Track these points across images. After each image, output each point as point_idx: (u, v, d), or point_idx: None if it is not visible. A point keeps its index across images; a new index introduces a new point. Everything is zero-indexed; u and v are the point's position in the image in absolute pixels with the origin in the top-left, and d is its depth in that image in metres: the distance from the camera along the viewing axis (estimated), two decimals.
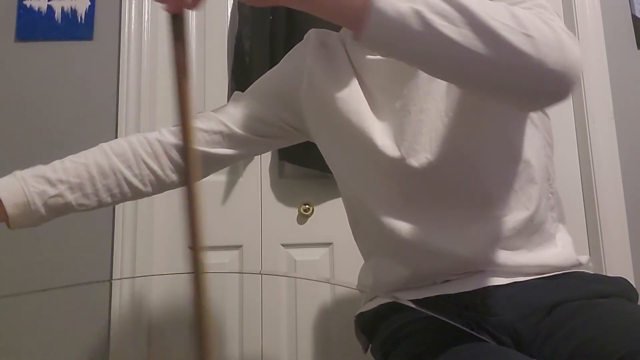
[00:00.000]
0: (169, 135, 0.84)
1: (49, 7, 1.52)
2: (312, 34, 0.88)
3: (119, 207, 1.45)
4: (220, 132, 0.85)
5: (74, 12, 1.52)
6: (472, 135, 0.73)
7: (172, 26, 0.50)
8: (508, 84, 0.55)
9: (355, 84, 0.80)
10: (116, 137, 1.45)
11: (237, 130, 0.86)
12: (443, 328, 0.67)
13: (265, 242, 1.52)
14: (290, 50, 0.92)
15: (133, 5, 1.53)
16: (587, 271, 0.79)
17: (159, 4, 0.53)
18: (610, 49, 1.61)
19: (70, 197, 0.77)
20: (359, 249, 0.90)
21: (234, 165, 1.55)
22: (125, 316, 1.41)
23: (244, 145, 0.88)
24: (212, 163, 0.88)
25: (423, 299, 0.76)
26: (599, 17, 1.63)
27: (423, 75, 0.75)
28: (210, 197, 1.53)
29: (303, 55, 0.86)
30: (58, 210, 0.77)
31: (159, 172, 0.83)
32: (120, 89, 1.49)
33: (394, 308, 0.79)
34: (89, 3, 1.53)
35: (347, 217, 0.91)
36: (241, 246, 1.51)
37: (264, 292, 1.49)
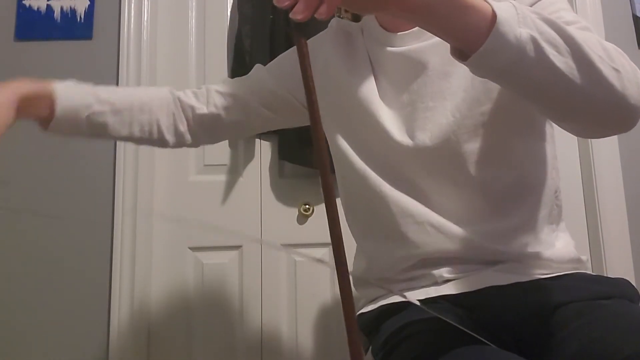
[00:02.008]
0: (191, 95, 0.91)
1: (48, 7, 1.51)
2: (334, 22, 0.92)
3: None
4: (234, 96, 0.91)
5: (73, 11, 1.52)
6: (473, 140, 0.74)
7: (296, 33, 0.43)
8: (590, 114, 0.56)
9: (369, 73, 0.83)
10: (114, 143, 1.47)
11: (251, 98, 0.91)
12: (444, 330, 0.67)
13: None
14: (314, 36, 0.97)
15: (132, 5, 1.53)
16: (588, 272, 0.79)
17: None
18: None
19: (110, 119, 0.82)
20: (353, 233, 0.90)
21: (234, 165, 1.55)
22: (125, 320, 1.41)
23: (254, 116, 0.93)
24: (221, 128, 0.93)
25: (424, 300, 0.76)
26: (600, 17, 1.63)
27: (432, 74, 0.76)
28: (210, 197, 1.53)
29: (323, 40, 0.91)
30: (95, 128, 0.82)
31: (180, 126, 0.90)
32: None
33: (394, 309, 0.79)
34: (89, 2, 1.52)
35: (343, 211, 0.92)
36: (241, 246, 1.51)
37: (264, 292, 1.49)
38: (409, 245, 0.77)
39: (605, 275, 1.38)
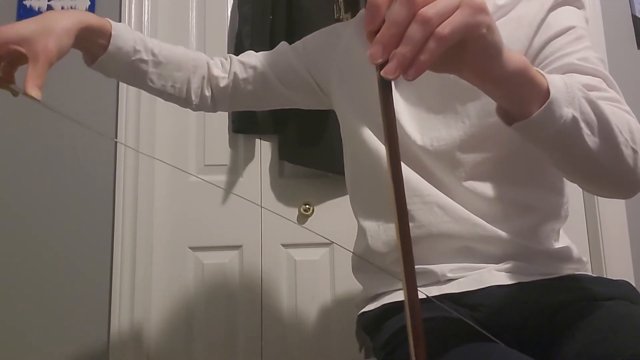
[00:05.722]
0: (219, 64, 0.95)
1: (49, 7, 1.51)
2: (362, 12, 0.94)
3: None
4: (254, 68, 0.95)
5: None
6: (478, 150, 0.76)
7: (383, 89, 0.45)
8: (599, 182, 0.62)
9: None
10: (116, 137, 1.47)
11: (269, 71, 0.95)
12: (448, 328, 0.67)
13: (265, 242, 1.52)
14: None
15: (133, 5, 1.53)
16: (589, 273, 0.80)
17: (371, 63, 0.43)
18: (610, 49, 1.61)
19: (151, 69, 0.86)
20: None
21: (234, 165, 1.55)
22: (125, 320, 1.41)
23: (269, 89, 0.96)
24: (238, 98, 0.97)
25: (426, 299, 0.76)
26: (599, 17, 1.63)
27: (445, 78, 0.76)
28: (211, 197, 1.53)
29: (348, 25, 0.94)
30: (134, 73, 0.85)
31: (206, 91, 0.94)
32: (119, 88, 1.49)
33: (396, 308, 0.79)
34: (89, 3, 1.53)
35: (347, 213, 0.93)
36: (241, 246, 1.51)
37: (264, 292, 1.49)
38: (414, 223, 0.77)
39: (605, 277, 1.38)
